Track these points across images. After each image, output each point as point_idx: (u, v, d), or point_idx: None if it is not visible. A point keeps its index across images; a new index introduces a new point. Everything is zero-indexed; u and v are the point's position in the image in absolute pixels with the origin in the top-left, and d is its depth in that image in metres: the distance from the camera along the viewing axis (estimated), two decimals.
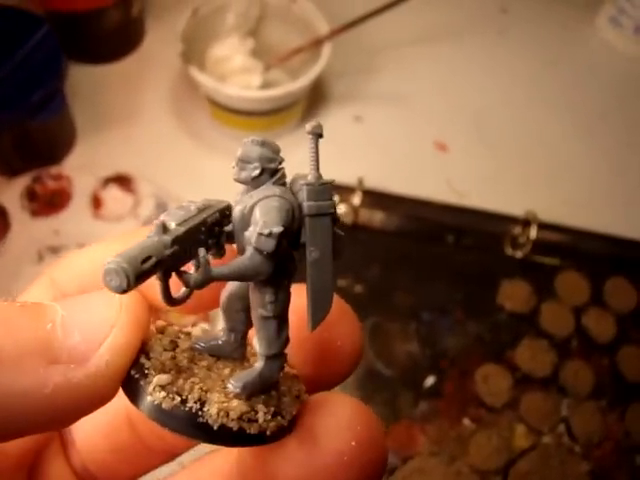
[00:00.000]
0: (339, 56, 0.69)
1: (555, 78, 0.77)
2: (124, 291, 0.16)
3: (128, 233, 0.22)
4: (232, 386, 0.19)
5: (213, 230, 0.18)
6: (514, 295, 0.62)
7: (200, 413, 0.18)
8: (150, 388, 0.18)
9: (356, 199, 0.62)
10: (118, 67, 0.70)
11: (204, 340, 0.21)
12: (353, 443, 0.19)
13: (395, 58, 0.74)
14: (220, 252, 0.19)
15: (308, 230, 0.18)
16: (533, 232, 0.62)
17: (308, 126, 0.18)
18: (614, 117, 0.74)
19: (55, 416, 0.17)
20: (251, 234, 0.17)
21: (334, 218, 0.19)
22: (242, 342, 0.21)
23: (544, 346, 0.60)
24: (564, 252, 0.64)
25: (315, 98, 0.69)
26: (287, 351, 0.20)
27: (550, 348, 0.60)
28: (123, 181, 0.62)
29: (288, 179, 0.19)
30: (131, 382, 0.18)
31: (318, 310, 0.19)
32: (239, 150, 0.19)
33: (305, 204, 0.18)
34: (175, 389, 0.18)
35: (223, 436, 0.18)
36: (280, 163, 0.19)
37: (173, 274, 0.17)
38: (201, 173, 0.64)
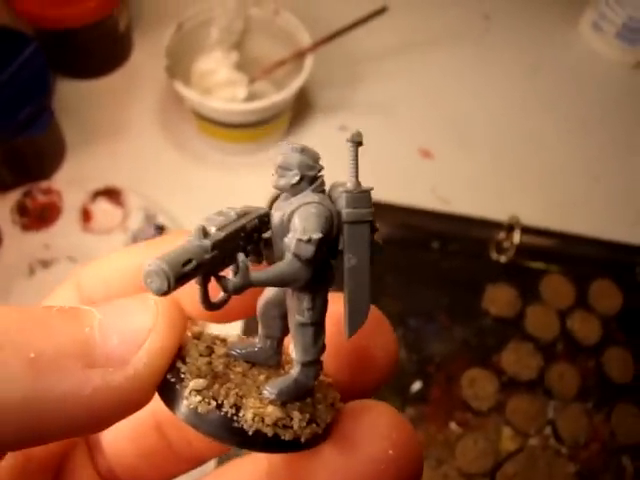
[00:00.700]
0: (323, 67, 0.70)
1: (538, 83, 0.78)
2: (165, 293, 0.16)
3: (153, 241, 0.23)
4: (268, 392, 0.19)
5: (252, 236, 0.19)
6: (499, 299, 0.63)
7: (235, 418, 0.18)
8: (186, 392, 0.18)
9: None
10: (106, 82, 0.71)
11: (240, 346, 0.21)
12: (390, 452, 0.19)
13: (379, 67, 0.75)
14: (259, 258, 0.19)
15: (346, 237, 0.18)
16: (516, 237, 0.62)
17: (349, 135, 0.18)
18: (596, 121, 0.75)
19: (93, 419, 0.17)
20: (290, 240, 0.17)
21: (372, 226, 0.19)
22: (278, 349, 0.21)
23: (530, 349, 0.61)
24: (549, 256, 0.65)
25: (300, 109, 0.70)
26: (323, 359, 0.20)
27: (536, 351, 0.61)
28: (112, 194, 0.63)
29: (327, 187, 0.19)
30: (167, 386, 0.18)
31: (355, 318, 0.19)
32: (278, 157, 0.18)
33: (344, 211, 0.18)
34: (211, 394, 0.18)
35: (258, 441, 0.18)
36: (319, 171, 0.19)
37: (212, 279, 0.17)
38: (189, 185, 0.65)
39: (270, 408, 0.18)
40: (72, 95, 0.69)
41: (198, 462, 0.24)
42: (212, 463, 0.50)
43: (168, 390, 0.18)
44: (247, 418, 0.18)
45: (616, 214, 0.69)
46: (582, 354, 0.61)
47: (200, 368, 0.19)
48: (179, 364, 0.19)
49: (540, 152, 0.73)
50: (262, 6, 0.65)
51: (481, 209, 0.65)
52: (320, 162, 0.19)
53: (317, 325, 0.19)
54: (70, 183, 0.64)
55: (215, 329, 0.25)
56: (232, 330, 0.52)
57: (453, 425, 0.57)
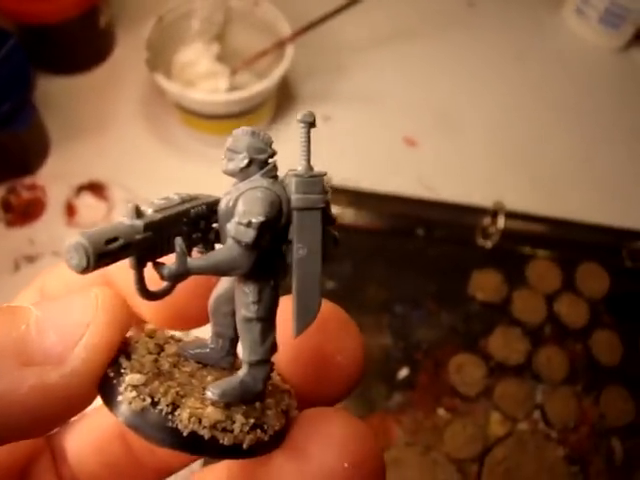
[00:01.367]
0: (306, 58, 0.70)
1: (522, 69, 0.77)
2: (84, 270, 0.15)
3: None
4: (210, 392, 0.18)
5: (198, 223, 0.18)
6: (486, 285, 0.63)
7: (170, 417, 0.17)
8: (122, 387, 0.17)
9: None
10: (89, 77, 0.71)
11: (192, 346, 0.20)
12: (345, 464, 0.18)
13: (362, 56, 0.75)
14: (207, 248, 0.18)
15: (295, 225, 0.17)
16: (501, 222, 0.62)
17: (299, 115, 0.17)
18: (582, 106, 0.75)
19: (32, 419, 0.16)
20: (231, 224, 0.17)
21: (326, 214, 0.18)
22: (231, 350, 0.20)
23: (517, 334, 0.61)
24: (534, 240, 0.64)
25: (283, 99, 0.70)
26: (274, 360, 0.19)
27: (523, 336, 0.61)
28: (96, 189, 0.63)
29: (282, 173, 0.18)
30: (107, 382, 0.18)
31: (303, 313, 0.18)
32: (228, 140, 0.18)
33: (293, 197, 0.17)
34: (148, 390, 0.17)
35: (194, 444, 0.17)
36: (271, 156, 0.18)
37: (149, 265, 0.17)
38: (173, 177, 0.65)
39: (210, 409, 0.17)
40: (55, 91, 0.69)
41: (165, 473, 0.23)
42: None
43: (107, 386, 0.18)
44: (182, 418, 0.17)
45: (603, 198, 0.69)
46: (570, 337, 0.61)
47: (144, 365, 0.18)
48: (122, 360, 0.18)
49: (526, 137, 0.73)
50: None
51: (467, 196, 0.65)
52: (272, 146, 0.18)
53: (264, 321, 0.18)
54: (54, 178, 0.64)
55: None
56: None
57: (441, 411, 0.57)
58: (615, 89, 0.77)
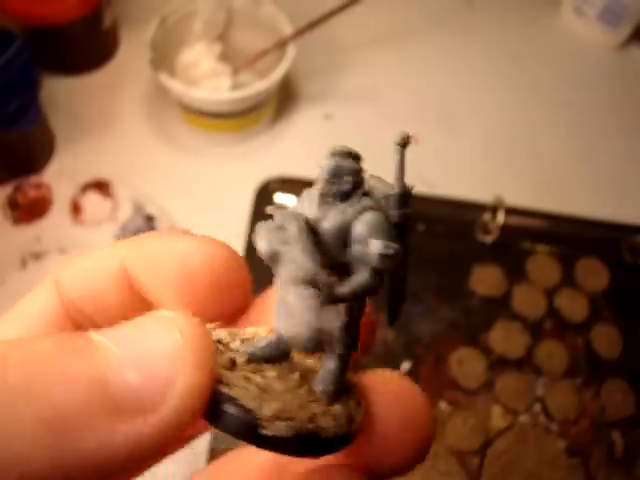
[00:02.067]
0: (308, 57, 0.71)
1: (521, 67, 0.78)
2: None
3: (136, 238, 0.21)
4: (320, 388, 0.18)
5: None
6: (486, 280, 0.63)
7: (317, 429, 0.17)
8: (263, 422, 0.16)
9: None
10: (94, 77, 0.72)
11: (253, 345, 0.19)
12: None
13: (363, 55, 0.76)
14: None
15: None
16: (500, 217, 0.63)
17: (398, 137, 0.18)
18: (581, 103, 0.76)
19: (132, 462, 0.15)
20: (366, 254, 0.17)
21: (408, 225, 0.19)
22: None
23: (517, 328, 0.61)
24: (534, 235, 0.65)
25: (285, 98, 0.71)
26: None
27: (523, 330, 0.61)
28: (101, 187, 0.64)
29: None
30: (223, 416, 0.16)
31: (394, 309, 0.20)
32: (329, 163, 0.17)
33: (393, 212, 0.18)
34: (286, 415, 0.16)
35: (337, 443, 0.17)
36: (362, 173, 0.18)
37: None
38: (176, 175, 0.66)
39: (336, 407, 0.18)
40: (61, 91, 0.70)
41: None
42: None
43: (226, 420, 0.16)
44: (329, 425, 0.17)
45: (602, 193, 0.69)
46: (570, 331, 0.62)
47: (248, 389, 0.17)
48: (222, 389, 0.17)
49: (525, 134, 0.73)
50: None
51: (468, 191, 0.66)
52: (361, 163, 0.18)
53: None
54: (60, 177, 0.65)
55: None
56: None
57: (443, 404, 0.58)
58: (614, 86, 0.78)
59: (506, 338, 0.61)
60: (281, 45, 0.63)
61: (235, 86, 0.65)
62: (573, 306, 0.62)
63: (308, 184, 0.18)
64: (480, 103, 0.75)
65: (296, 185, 0.62)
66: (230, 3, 0.66)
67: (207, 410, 0.16)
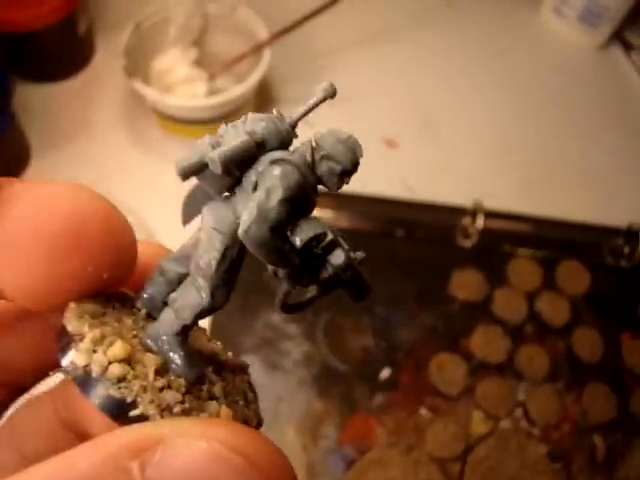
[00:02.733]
0: (284, 61, 0.70)
1: (502, 69, 0.78)
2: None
3: None
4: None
5: None
6: (466, 284, 0.63)
7: None
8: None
9: None
10: (69, 85, 0.71)
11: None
12: None
13: (341, 59, 0.76)
14: None
15: None
16: (480, 221, 0.63)
17: (326, 86, 0.17)
18: (562, 104, 0.76)
19: None
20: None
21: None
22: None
23: (498, 332, 0.61)
24: (514, 239, 0.65)
25: (262, 103, 0.70)
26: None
27: (504, 334, 0.61)
28: None
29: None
30: None
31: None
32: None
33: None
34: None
35: None
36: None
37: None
38: (154, 183, 0.65)
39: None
40: (35, 98, 0.69)
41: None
42: None
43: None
44: None
45: (583, 195, 0.69)
46: (551, 335, 0.61)
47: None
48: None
49: (506, 136, 0.73)
50: (220, 2, 0.66)
51: (448, 196, 0.65)
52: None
53: None
54: None
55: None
56: None
57: (423, 410, 0.57)
58: (595, 87, 0.78)
59: (487, 343, 0.60)
60: (257, 50, 0.63)
61: (211, 92, 0.65)
62: (554, 310, 0.62)
63: None
64: (460, 104, 0.75)
65: None
66: (205, 8, 0.66)
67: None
